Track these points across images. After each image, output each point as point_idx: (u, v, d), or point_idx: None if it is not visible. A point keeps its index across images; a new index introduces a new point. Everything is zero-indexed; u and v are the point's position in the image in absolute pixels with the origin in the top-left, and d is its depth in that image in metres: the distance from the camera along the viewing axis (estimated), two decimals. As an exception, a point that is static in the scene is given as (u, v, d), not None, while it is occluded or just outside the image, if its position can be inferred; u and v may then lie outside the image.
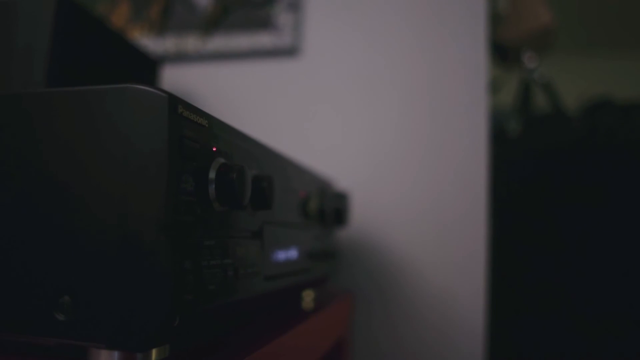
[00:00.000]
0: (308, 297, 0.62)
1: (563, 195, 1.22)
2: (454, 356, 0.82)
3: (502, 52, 1.36)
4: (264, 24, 0.94)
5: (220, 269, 0.34)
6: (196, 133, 0.32)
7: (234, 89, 0.96)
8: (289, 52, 0.93)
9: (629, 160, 1.20)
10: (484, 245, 0.82)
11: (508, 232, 1.21)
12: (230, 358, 0.36)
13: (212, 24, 0.97)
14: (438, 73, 0.88)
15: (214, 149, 0.34)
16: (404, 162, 0.86)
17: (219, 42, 0.96)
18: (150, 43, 0.99)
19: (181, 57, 0.98)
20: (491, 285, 0.84)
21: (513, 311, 1.21)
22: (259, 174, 0.41)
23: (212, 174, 0.33)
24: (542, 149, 1.30)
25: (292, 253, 0.51)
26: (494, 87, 1.29)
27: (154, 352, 0.30)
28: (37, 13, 0.53)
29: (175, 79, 0.97)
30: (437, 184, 0.85)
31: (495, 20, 1.26)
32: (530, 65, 1.38)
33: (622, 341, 1.12)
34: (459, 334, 0.82)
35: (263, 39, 0.94)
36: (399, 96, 0.89)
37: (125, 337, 0.28)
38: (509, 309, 1.19)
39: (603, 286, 1.16)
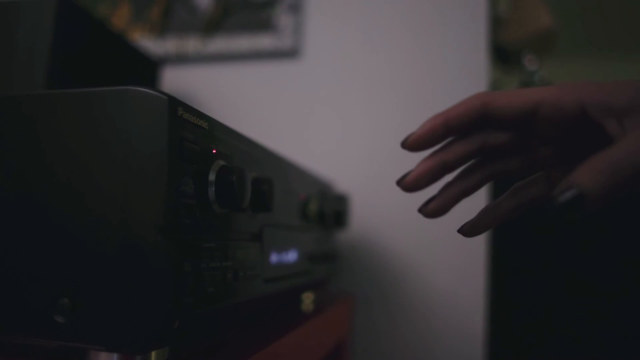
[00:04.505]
0: (307, 300, 0.62)
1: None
2: (455, 358, 0.81)
3: (503, 54, 1.36)
4: (265, 25, 0.94)
5: (220, 271, 0.34)
6: (196, 135, 0.32)
7: (234, 90, 0.96)
8: (290, 53, 0.93)
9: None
10: (484, 246, 0.82)
11: (508, 233, 1.21)
12: (230, 360, 0.36)
13: (213, 25, 0.97)
14: (439, 75, 0.88)
15: (214, 151, 0.34)
16: (404, 164, 0.86)
17: (220, 43, 0.96)
18: (150, 44, 0.99)
19: (182, 59, 0.98)
20: (491, 287, 0.84)
21: (513, 313, 1.21)
22: (259, 176, 0.41)
23: (212, 176, 0.33)
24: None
25: (292, 255, 0.51)
26: (495, 89, 1.29)
27: (153, 354, 0.30)
28: (38, 15, 0.53)
29: (176, 80, 0.98)
30: (438, 186, 0.85)
31: (496, 22, 1.26)
32: (530, 68, 1.38)
33: (623, 344, 1.12)
34: (459, 336, 0.81)
35: (263, 41, 0.94)
36: (399, 98, 0.89)
37: (125, 339, 0.28)
38: (509, 311, 1.19)
39: (606, 288, 1.16)
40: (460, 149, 0.33)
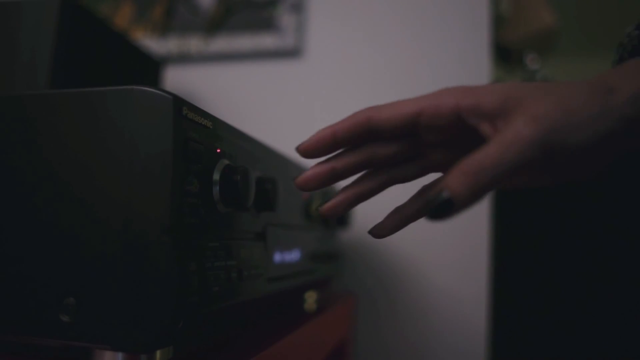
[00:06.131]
0: (310, 299, 0.62)
1: (566, 194, 1.22)
2: (457, 356, 0.81)
3: (505, 53, 1.36)
4: (267, 25, 0.94)
5: (224, 270, 0.34)
6: (200, 134, 0.32)
7: (236, 90, 0.96)
8: (292, 53, 0.93)
9: (631, 158, 1.20)
10: (486, 245, 0.82)
11: (511, 231, 1.21)
12: (234, 360, 0.36)
13: (215, 25, 0.97)
14: (441, 74, 0.88)
15: (218, 151, 0.34)
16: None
17: (222, 43, 0.96)
18: (153, 44, 0.99)
19: (184, 58, 0.98)
20: (494, 286, 0.84)
21: (515, 311, 1.21)
22: (263, 175, 0.41)
23: (216, 176, 0.33)
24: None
25: (295, 255, 0.51)
26: (497, 88, 1.29)
27: (158, 353, 0.30)
28: (40, 14, 0.53)
29: (178, 79, 0.98)
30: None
31: (498, 21, 1.26)
32: (532, 67, 1.38)
33: (625, 343, 1.12)
34: (461, 334, 0.81)
35: (266, 40, 0.94)
36: (401, 97, 0.89)
37: (130, 338, 0.28)
38: (512, 309, 1.19)
39: (608, 287, 1.16)
40: (349, 159, 0.34)
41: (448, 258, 0.83)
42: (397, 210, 0.36)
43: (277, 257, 0.45)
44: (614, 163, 0.32)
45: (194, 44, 0.97)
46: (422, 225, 0.84)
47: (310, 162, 0.35)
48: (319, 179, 0.34)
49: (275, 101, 0.94)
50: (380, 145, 0.34)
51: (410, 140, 0.34)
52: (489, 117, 0.29)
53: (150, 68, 0.73)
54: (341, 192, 0.35)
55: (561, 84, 0.31)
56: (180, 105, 0.30)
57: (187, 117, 0.30)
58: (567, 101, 0.29)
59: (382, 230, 0.36)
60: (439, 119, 0.31)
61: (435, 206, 0.27)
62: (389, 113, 0.33)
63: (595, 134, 0.28)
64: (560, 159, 0.29)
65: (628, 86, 0.30)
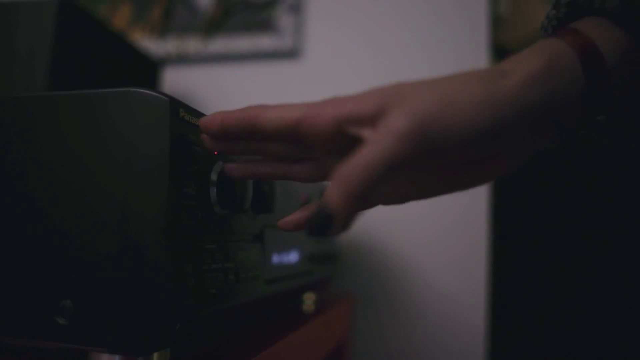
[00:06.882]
0: (309, 300, 0.62)
1: (565, 194, 1.22)
2: (456, 357, 0.81)
3: (504, 54, 1.36)
4: (265, 26, 0.94)
5: (221, 272, 0.34)
6: (198, 137, 0.32)
7: (235, 91, 0.96)
8: (290, 54, 0.93)
9: (631, 157, 1.20)
10: (485, 245, 0.82)
11: (510, 232, 1.21)
12: (231, 362, 0.36)
13: (214, 26, 0.97)
14: (438, 75, 0.88)
15: (215, 153, 0.34)
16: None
17: (220, 44, 0.96)
18: (151, 45, 0.99)
19: (182, 59, 0.98)
20: (492, 286, 0.84)
21: (514, 312, 1.21)
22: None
23: (213, 178, 0.33)
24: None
25: (293, 256, 0.51)
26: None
27: (155, 356, 0.30)
28: (38, 16, 0.53)
29: (177, 80, 0.98)
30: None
31: (497, 22, 1.26)
32: (531, 68, 1.37)
33: (625, 344, 1.12)
34: (460, 334, 0.81)
35: (264, 41, 0.94)
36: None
37: (126, 341, 0.28)
38: (511, 310, 1.19)
39: (607, 287, 1.16)
40: (244, 145, 0.33)
41: (447, 259, 0.83)
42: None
43: (275, 258, 0.45)
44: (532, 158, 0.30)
45: (193, 44, 0.97)
46: (421, 226, 0.85)
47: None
48: (213, 145, 0.32)
49: (273, 102, 0.94)
50: (268, 144, 0.33)
51: (298, 144, 0.32)
52: (368, 121, 0.27)
53: (148, 69, 0.73)
54: (242, 162, 0.34)
55: (449, 75, 0.29)
56: (176, 108, 0.30)
57: (183, 119, 0.30)
58: (448, 89, 0.27)
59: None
60: (318, 129, 0.28)
61: (316, 226, 0.25)
62: (272, 115, 0.30)
63: (480, 120, 0.26)
64: (447, 153, 0.27)
65: (522, 68, 0.28)
